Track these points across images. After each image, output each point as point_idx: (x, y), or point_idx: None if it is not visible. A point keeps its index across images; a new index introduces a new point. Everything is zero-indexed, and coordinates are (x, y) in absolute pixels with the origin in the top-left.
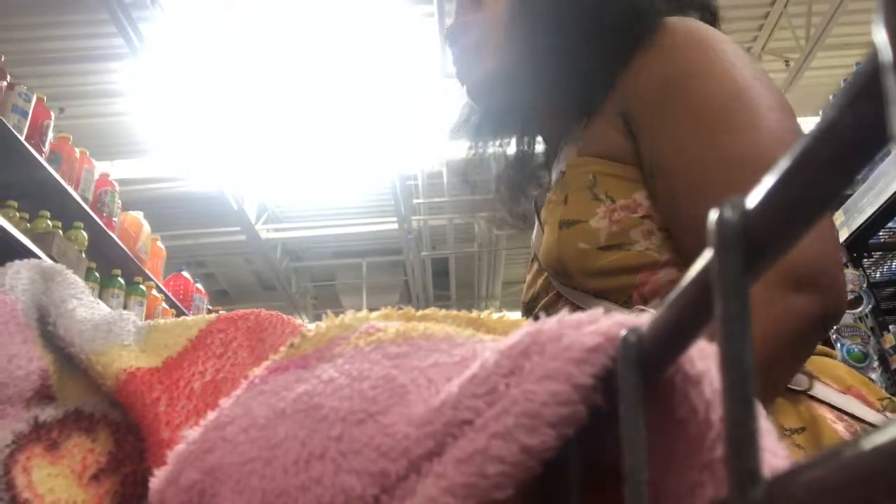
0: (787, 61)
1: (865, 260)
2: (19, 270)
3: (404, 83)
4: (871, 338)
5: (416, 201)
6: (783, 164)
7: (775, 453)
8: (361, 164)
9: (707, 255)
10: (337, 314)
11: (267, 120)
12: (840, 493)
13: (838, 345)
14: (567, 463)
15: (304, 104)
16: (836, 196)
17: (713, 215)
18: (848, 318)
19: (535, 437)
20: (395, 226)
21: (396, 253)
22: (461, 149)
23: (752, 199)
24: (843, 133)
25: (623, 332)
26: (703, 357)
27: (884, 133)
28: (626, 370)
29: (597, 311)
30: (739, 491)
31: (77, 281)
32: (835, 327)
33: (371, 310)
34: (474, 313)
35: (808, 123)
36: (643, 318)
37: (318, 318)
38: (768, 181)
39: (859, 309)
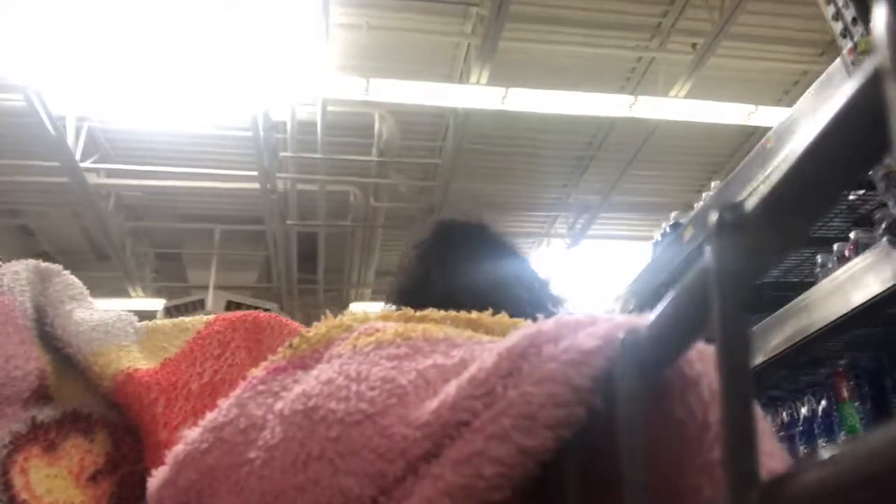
0: (693, 44)
1: None
2: (18, 271)
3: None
4: None
5: (283, 154)
6: (782, 169)
7: (773, 455)
8: (219, 97)
9: (704, 257)
10: (184, 290)
11: (104, 20)
12: (837, 495)
13: None
14: (565, 464)
15: (156, 10)
16: (834, 200)
17: (713, 217)
18: None
19: (533, 438)
20: (257, 185)
21: (257, 222)
22: (342, 91)
23: (751, 202)
24: (842, 138)
25: (621, 334)
26: (702, 359)
27: (884, 140)
28: (624, 372)
29: (595, 313)
30: (737, 493)
31: (75, 282)
32: None
33: (222, 288)
34: (473, 314)
35: (711, 107)
36: (641, 320)
37: (158, 291)
38: (767, 184)
39: None
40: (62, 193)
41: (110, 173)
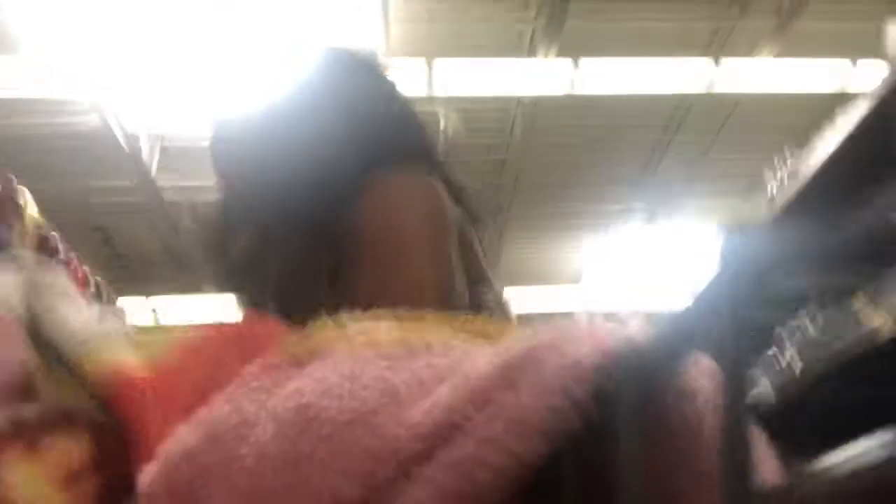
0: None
1: None
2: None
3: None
4: None
5: None
6: (791, 190)
7: (770, 469)
8: None
9: (710, 277)
10: None
11: (165, 35)
12: None
13: None
14: (562, 471)
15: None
16: (842, 219)
17: (722, 237)
18: None
19: (525, 444)
20: None
21: None
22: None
23: (758, 226)
24: (854, 155)
25: (621, 348)
26: (699, 373)
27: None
28: (623, 385)
29: (596, 325)
30: None
31: (66, 282)
32: None
33: None
34: (470, 318)
35: (801, 70)
36: (641, 334)
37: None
38: (774, 209)
39: None
40: (140, 213)
41: (184, 188)
